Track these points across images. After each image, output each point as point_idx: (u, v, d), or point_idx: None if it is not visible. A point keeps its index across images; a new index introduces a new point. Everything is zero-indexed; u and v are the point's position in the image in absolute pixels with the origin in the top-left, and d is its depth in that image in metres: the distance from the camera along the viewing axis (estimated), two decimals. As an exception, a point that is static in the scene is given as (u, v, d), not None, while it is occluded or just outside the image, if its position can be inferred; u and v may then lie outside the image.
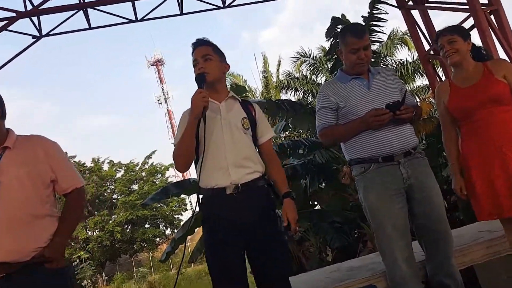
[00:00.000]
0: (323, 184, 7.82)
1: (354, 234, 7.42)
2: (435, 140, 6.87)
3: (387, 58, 13.37)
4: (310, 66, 14.15)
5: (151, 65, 49.03)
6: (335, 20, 6.24)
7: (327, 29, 6.27)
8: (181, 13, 6.31)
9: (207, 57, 2.11)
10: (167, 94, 48.63)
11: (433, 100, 10.13)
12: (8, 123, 2.03)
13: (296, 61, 14.71)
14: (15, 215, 1.81)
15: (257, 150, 2.21)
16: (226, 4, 6.35)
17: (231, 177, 2.01)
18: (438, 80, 5.79)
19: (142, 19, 6.13)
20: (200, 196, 2.12)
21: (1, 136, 1.94)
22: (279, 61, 17.17)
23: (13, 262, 1.77)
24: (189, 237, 7.25)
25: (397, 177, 2.30)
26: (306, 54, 14.26)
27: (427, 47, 6.10)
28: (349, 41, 2.39)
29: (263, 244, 2.02)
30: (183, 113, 2.17)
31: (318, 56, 14.11)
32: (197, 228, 7.19)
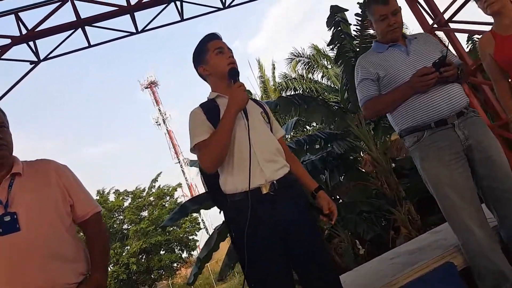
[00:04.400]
0: (342, 177, 7.62)
1: (381, 223, 7.17)
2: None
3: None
4: (305, 65, 14.31)
5: (145, 88, 48.90)
6: (334, 9, 6.13)
7: (327, 19, 6.13)
8: (182, 19, 6.07)
9: (230, 49, 1.99)
10: (165, 114, 48.36)
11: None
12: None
13: (291, 62, 14.91)
14: (39, 249, 1.59)
15: None
16: (226, 5, 6.14)
17: (264, 173, 1.78)
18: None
19: (143, 30, 5.86)
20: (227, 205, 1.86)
21: (8, 162, 1.75)
22: (273, 64, 17.44)
23: None
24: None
25: (454, 140, 2.13)
26: (300, 54, 14.42)
27: (430, 21, 5.94)
28: (375, 10, 2.30)
29: (306, 244, 1.81)
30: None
31: (311, 54, 14.29)
32: (221, 243, 6.97)
